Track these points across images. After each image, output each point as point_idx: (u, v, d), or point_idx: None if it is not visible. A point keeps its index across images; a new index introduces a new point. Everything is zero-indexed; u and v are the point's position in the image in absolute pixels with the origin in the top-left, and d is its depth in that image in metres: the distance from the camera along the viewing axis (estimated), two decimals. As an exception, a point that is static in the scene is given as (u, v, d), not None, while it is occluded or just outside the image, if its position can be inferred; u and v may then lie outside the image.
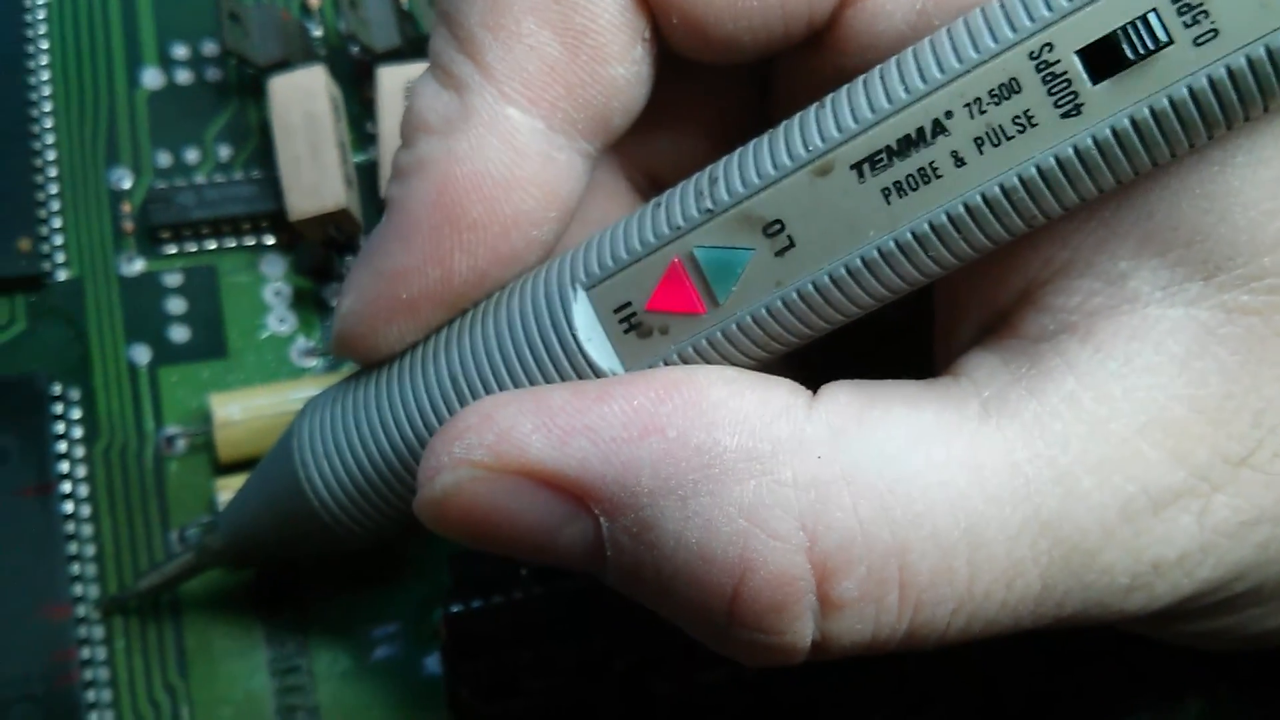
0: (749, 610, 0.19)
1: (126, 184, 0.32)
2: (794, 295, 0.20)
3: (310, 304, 0.31)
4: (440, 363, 0.22)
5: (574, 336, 0.21)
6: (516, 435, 0.20)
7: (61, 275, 0.31)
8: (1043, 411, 0.19)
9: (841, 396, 0.20)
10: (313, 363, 0.31)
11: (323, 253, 0.31)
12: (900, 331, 0.24)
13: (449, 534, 0.21)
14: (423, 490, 0.21)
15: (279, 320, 0.31)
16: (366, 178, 0.32)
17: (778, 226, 0.20)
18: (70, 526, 0.28)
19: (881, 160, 0.19)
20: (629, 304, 0.21)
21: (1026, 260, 0.20)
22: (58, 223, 0.31)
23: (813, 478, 0.19)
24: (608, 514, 0.19)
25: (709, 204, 0.20)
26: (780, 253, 0.20)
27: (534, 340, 0.21)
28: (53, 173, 0.31)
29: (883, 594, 0.19)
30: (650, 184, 0.25)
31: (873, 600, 0.19)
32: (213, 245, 0.31)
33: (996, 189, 0.18)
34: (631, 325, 0.21)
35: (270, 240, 0.32)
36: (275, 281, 0.32)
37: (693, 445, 0.19)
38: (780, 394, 0.20)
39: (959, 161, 0.18)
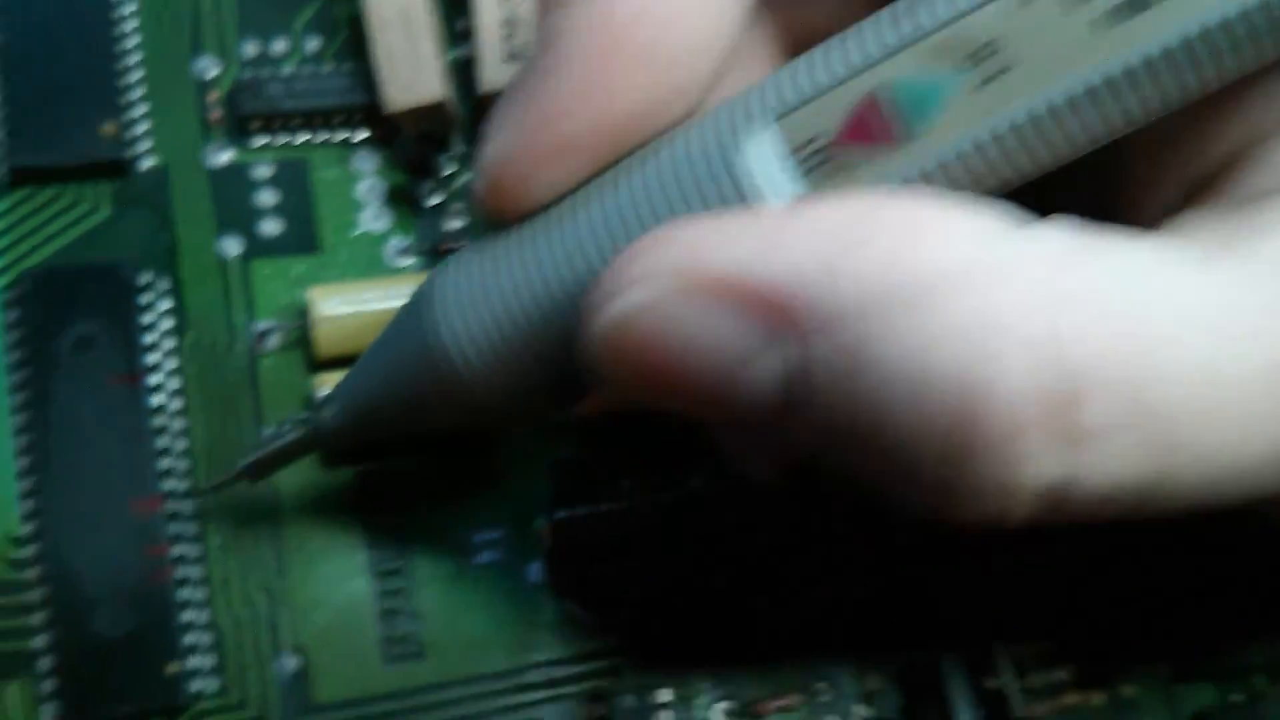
0: (982, 438, 0.16)
1: (213, 73, 0.30)
2: (1003, 128, 0.18)
3: (404, 202, 0.30)
4: (598, 210, 0.20)
5: (751, 174, 0.19)
6: (711, 247, 0.18)
7: (146, 163, 0.29)
8: (1274, 259, 0.17)
9: (1063, 226, 0.18)
10: (408, 261, 0.29)
11: (422, 146, 0.29)
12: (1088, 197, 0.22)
13: (618, 374, 0.19)
14: (595, 321, 0.18)
15: (373, 217, 0.29)
16: (458, 75, 0.30)
17: (988, 52, 0.18)
18: (160, 420, 0.27)
19: None
20: (813, 140, 0.19)
21: (1244, 114, 0.19)
22: (141, 109, 0.29)
23: (1047, 297, 0.17)
24: (817, 333, 0.17)
25: (909, 28, 0.18)
26: (988, 81, 0.18)
27: (704, 181, 0.19)
28: (135, 59, 0.29)
29: (1120, 426, 0.17)
30: (796, 48, 0.24)
31: (1109, 434, 0.17)
32: (304, 138, 0.30)
33: (1224, 19, 0.17)
34: (815, 164, 0.19)
35: (362, 135, 0.30)
36: (368, 178, 0.30)
37: (914, 257, 0.17)
38: (997, 215, 0.18)
39: None
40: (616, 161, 0.21)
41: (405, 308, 0.23)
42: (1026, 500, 0.17)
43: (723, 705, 0.28)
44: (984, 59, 0.18)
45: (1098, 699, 0.30)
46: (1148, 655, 0.31)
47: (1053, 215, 0.18)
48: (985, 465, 0.17)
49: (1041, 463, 0.17)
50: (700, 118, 0.20)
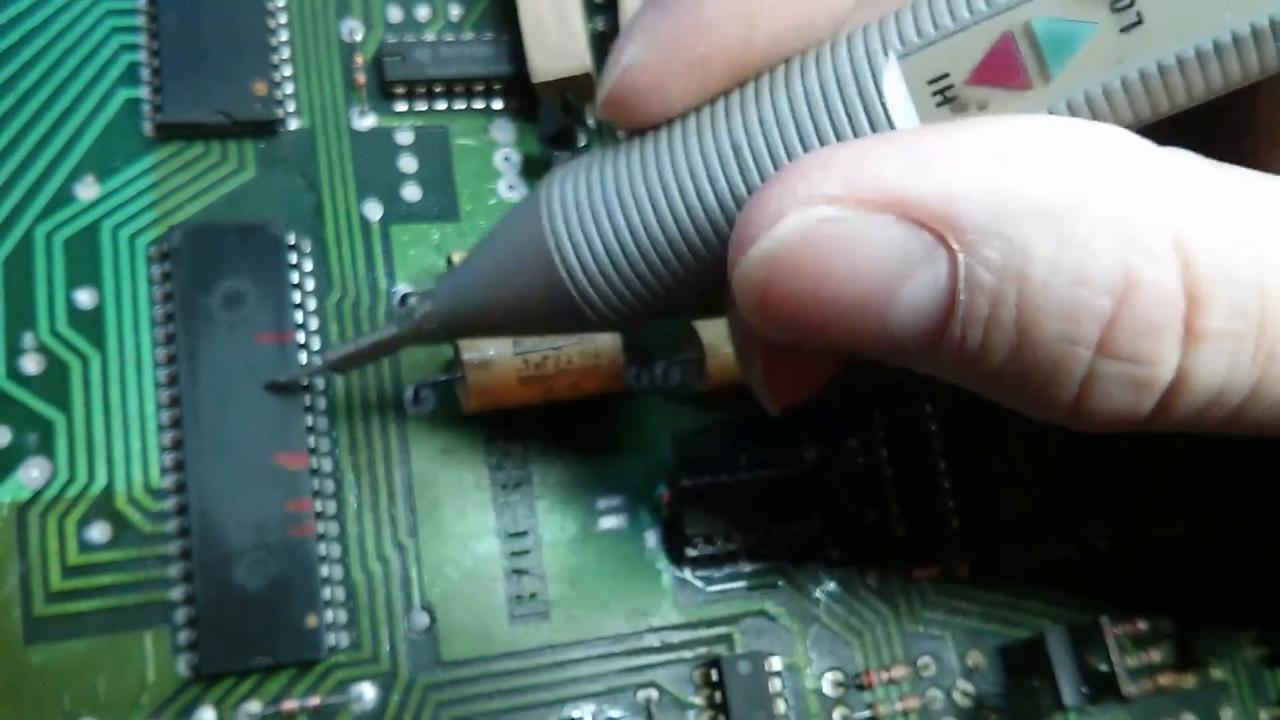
0: (1126, 334, 0.16)
1: (358, 36, 0.28)
2: (1135, 75, 0.17)
3: (539, 172, 0.28)
4: (723, 130, 0.19)
5: (883, 106, 0.18)
6: (871, 165, 0.16)
7: (293, 124, 0.27)
8: None
9: (1187, 150, 0.17)
10: (542, 232, 0.28)
11: (565, 118, 0.27)
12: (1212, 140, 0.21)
13: (773, 298, 0.17)
14: (761, 242, 0.17)
15: (509, 187, 0.28)
16: (596, 46, 0.28)
17: (1127, 1, 0.17)
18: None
19: None
20: (946, 75, 0.18)
21: None
22: (288, 70, 0.27)
23: (1183, 202, 0.16)
24: (973, 245, 0.16)
25: None
26: (1126, 29, 0.17)
27: (836, 109, 0.18)
28: (283, 19, 0.27)
29: (1243, 330, 0.16)
30: None
31: (1233, 336, 0.16)
32: (443, 105, 0.28)
33: None
34: (946, 99, 0.18)
35: (500, 105, 0.28)
36: (505, 147, 0.28)
37: (1062, 167, 0.16)
38: (1128, 133, 0.17)
39: None
40: (745, 81, 0.19)
41: (515, 209, 0.21)
42: (1154, 397, 0.17)
43: (830, 676, 0.27)
44: (1122, 9, 0.17)
45: (1190, 680, 0.29)
46: (1238, 641, 0.30)
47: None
48: (1124, 363, 0.16)
49: (1168, 360, 0.16)
50: (838, 44, 0.19)
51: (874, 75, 0.18)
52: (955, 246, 0.16)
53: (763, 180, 0.18)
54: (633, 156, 0.20)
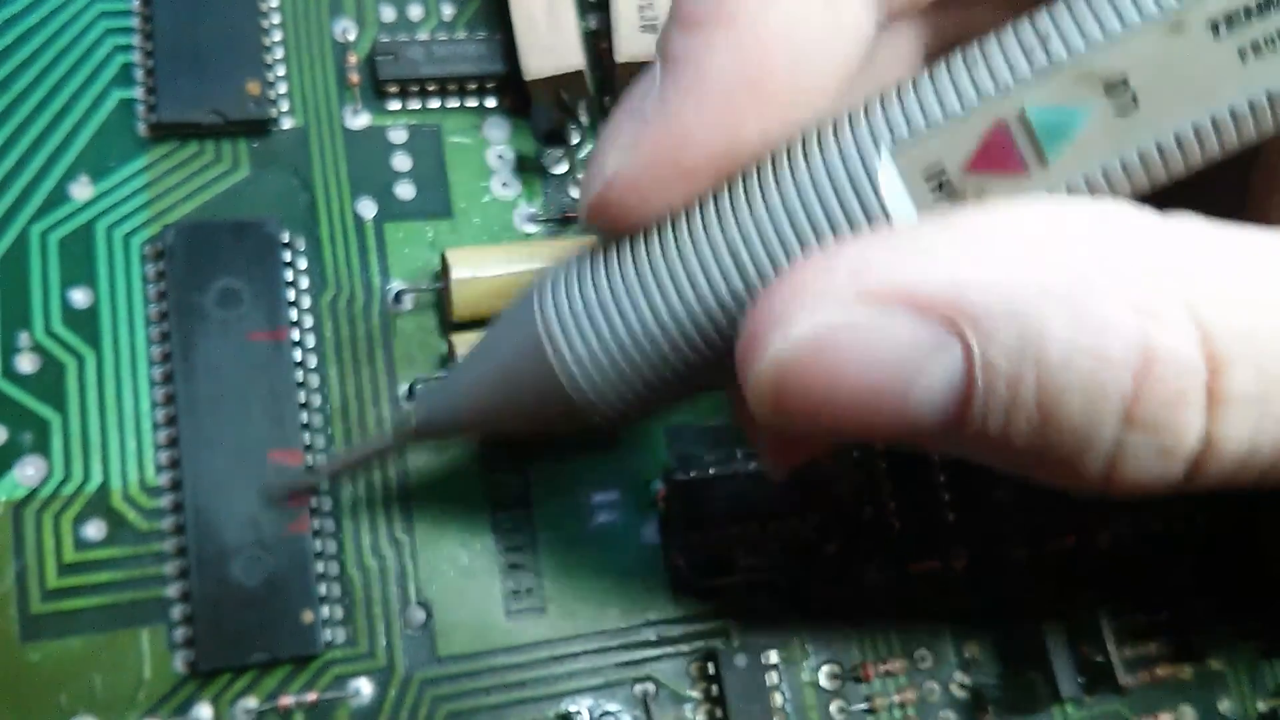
0: (1149, 406, 0.16)
1: (351, 35, 0.28)
2: (1134, 156, 0.17)
3: (532, 170, 0.28)
4: (717, 231, 0.19)
5: (880, 202, 0.17)
6: (876, 261, 0.16)
7: (286, 124, 0.27)
8: None
9: (1192, 216, 0.17)
10: (535, 229, 0.27)
11: (559, 116, 0.27)
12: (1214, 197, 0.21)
13: (787, 400, 0.17)
14: (772, 347, 0.16)
15: (502, 184, 0.28)
16: (588, 44, 0.28)
17: (1122, 85, 0.16)
18: (299, 374, 0.25)
19: (1240, 18, 0.16)
20: (941, 166, 0.17)
21: None
22: (281, 70, 0.27)
23: (1194, 269, 0.16)
24: (986, 331, 0.16)
25: (1044, 60, 0.17)
26: (1122, 112, 0.17)
27: (831, 206, 0.18)
28: (276, 19, 0.27)
29: (1267, 391, 0.16)
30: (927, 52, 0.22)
31: (1257, 400, 0.16)
32: (436, 104, 0.28)
33: None
34: (943, 189, 0.17)
35: (493, 103, 0.28)
36: (498, 145, 0.28)
37: (1070, 246, 0.16)
38: (1132, 205, 0.17)
39: None
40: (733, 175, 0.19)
41: (507, 313, 0.21)
42: (1183, 464, 0.16)
43: (827, 669, 0.27)
44: (1120, 90, 0.17)
45: (1187, 672, 0.29)
46: (1236, 632, 0.29)
47: (1177, 210, 0.17)
48: (1151, 434, 0.16)
49: (1195, 428, 0.16)
50: (826, 136, 0.18)
51: (867, 169, 0.17)
52: (968, 334, 0.16)
53: (762, 279, 0.18)
54: (625, 257, 0.19)
